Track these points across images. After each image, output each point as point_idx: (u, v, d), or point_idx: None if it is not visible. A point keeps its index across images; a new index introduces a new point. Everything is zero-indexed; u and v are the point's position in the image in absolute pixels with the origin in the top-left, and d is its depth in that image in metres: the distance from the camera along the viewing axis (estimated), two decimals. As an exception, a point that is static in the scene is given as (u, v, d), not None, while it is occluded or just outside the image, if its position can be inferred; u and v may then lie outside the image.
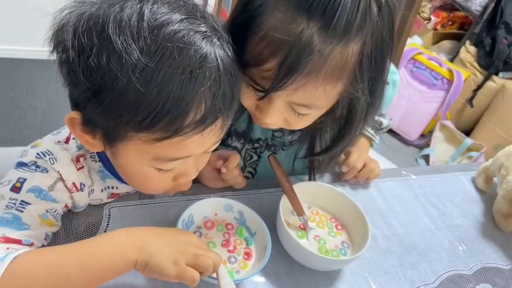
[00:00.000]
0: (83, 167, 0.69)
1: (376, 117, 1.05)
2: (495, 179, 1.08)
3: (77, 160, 0.68)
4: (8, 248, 0.56)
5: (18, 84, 2.23)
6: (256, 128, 0.90)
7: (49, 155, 0.64)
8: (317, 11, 0.58)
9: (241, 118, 0.88)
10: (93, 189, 0.72)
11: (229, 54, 0.59)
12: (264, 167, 0.95)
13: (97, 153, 0.70)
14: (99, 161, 0.70)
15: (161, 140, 0.55)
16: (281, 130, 0.91)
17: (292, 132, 0.91)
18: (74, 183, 0.67)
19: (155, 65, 0.51)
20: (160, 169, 0.62)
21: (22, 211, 0.60)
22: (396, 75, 0.97)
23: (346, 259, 0.76)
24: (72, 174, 0.66)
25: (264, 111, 0.70)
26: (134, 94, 0.51)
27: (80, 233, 0.70)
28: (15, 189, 0.61)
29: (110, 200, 0.77)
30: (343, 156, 0.97)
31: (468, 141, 2.49)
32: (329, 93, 0.66)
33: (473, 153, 2.44)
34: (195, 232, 0.74)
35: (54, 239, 0.67)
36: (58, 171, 0.64)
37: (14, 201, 0.60)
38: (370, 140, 1.05)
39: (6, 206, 0.60)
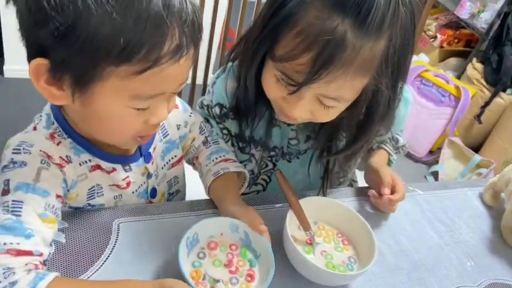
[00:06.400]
0: (60, 142, 0.69)
1: (393, 134, 1.07)
2: (502, 195, 1.08)
3: (52, 137, 0.68)
4: (26, 264, 0.58)
5: (37, 104, 2.27)
6: (273, 135, 0.93)
7: (24, 143, 0.65)
8: (352, 9, 0.64)
9: (258, 125, 0.90)
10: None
11: None
12: None
13: (63, 129, 0.69)
14: (68, 137, 0.70)
15: (141, 72, 0.55)
16: (297, 138, 0.94)
17: (307, 140, 0.93)
18: (60, 157, 0.67)
19: None
20: (138, 109, 0.62)
21: (20, 214, 0.60)
22: (408, 93, 0.99)
23: (353, 274, 0.77)
24: (54, 149, 0.67)
25: (291, 104, 0.74)
26: (111, 25, 0.52)
27: (89, 248, 0.71)
28: (4, 192, 0.62)
29: (94, 172, 0.73)
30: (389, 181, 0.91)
31: (477, 157, 2.47)
32: (356, 86, 0.72)
33: (483, 170, 2.42)
34: (198, 253, 0.73)
35: (63, 254, 0.68)
36: (41, 150, 0.65)
37: (6, 204, 0.60)
38: (388, 154, 1.06)
39: (1, 210, 0.60)
